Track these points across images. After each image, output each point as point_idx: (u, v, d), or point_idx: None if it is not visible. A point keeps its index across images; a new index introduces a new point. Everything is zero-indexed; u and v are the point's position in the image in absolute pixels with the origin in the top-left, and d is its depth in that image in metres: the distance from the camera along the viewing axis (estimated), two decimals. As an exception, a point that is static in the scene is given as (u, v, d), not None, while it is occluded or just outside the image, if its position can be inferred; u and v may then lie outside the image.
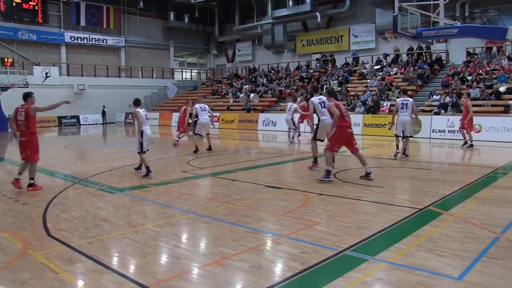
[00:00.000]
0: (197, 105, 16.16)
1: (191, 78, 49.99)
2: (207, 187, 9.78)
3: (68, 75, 39.10)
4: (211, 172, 11.64)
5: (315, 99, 11.11)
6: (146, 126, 10.82)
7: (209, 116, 16.13)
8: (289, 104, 19.61)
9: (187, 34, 47.69)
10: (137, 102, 11.16)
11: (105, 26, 41.65)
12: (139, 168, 11.49)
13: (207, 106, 16.27)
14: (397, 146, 13.98)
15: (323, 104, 10.98)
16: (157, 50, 46.43)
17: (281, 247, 5.56)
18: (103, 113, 39.28)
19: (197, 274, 4.80)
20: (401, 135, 13.81)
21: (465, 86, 24.29)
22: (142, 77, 44.40)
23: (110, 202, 8.24)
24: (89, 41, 40.75)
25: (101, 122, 39.37)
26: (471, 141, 16.54)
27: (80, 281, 4.69)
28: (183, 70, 50.35)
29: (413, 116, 13.86)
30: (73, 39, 39.63)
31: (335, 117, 9.79)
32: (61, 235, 6.13)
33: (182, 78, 48.86)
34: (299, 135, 20.11)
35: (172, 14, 45.89)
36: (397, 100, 14.16)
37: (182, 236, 6.29)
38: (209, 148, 16.16)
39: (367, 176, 10.04)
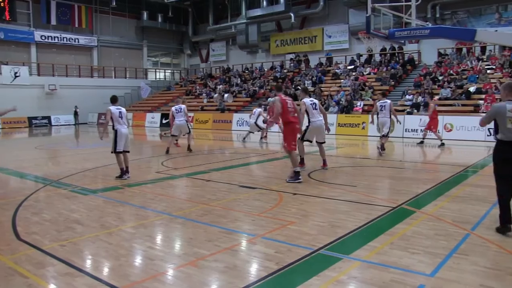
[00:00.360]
0: (172, 108, 16.07)
1: (165, 78, 49.70)
2: (181, 188, 9.71)
3: (38, 74, 38.42)
4: (185, 173, 11.58)
5: (307, 100, 11.18)
6: (120, 125, 10.54)
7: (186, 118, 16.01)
8: (255, 109, 20.83)
9: (160, 33, 47.42)
10: (112, 99, 10.95)
11: (77, 25, 41.11)
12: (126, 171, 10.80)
13: (183, 107, 16.07)
14: (382, 145, 14.48)
15: (314, 106, 11.09)
16: (130, 50, 46.03)
17: (256, 247, 5.56)
18: (75, 113, 38.79)
19: (171, 275, 4.76)
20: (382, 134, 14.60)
21: (436, 86, 24.70)
22: (115, 77, 43.92)
23: (83, 204, 8.11)
24: (61, 40, 40.16)
25: (73, 123, 38.86)
26: (424, 139, 18.11)
27: (51, 285, 4.60)
28: (157, 70, 50.04)
29: (393, 117, 14.52)
30: (43, 38, 38.99)
31: (275, 114, 9.99)
32: (31, 239, 6.00)
33: (155, 78, 48.56)
34: (265, 136, 20.66)
35: (145, 13, 45.58)
36: (376, 102, 14.56)
37: (156, 237, 6.23)
38: (188, 149, 16.00)
39: (296, 177, 10.00)
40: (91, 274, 4.79)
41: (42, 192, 9.39)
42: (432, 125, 17.41)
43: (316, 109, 11.07)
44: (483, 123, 6.39)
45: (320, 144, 11.54)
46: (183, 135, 16.39)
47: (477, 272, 4.63)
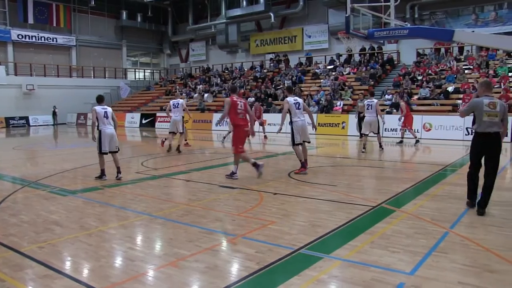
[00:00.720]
0: (170, 101, 15.98)
1: (145, 78, 49.42)
2: (161, 188, 9.65)
3: (15, 74, 37.94)
4: (165, 173, 11.51)
5: (291, 99, 10.95)
6: (104, 125, 10.28)
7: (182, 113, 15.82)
8: None
9: (140, 33, 47.12)
10: (98, 99, 10.73)
11: (55, 24, 40.60)
12: (118, 173, 10.59)
13: (181, 102, 15.82)
14: (365, 145, 14.68)
15: (297, 105, 10.94)
16: (110, 50, 45.65)
17: (237, 247, 5.55)
18: (54, 113, 38.32)
19: (152, 276, 4.73)
20: (368, 134, 15.04)
21: (415, 86, 24.96)
22: (94, 77, 43.51)
23: (61, 205, 8.01)
24: (38, 39, 39.64)
25: (52, 123, 38.39)
26: (402, 138, 18.39)
27: (29, 287, 4.54)
28: (136, 70, 49.67)
29: (378, 116, 14.82)
30: (20, 37, 38.44)
31: (223, 114, 10.28)
32: (9, 241, 5.91)
33: (135, 78, 48.23)
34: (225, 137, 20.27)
35: (124, 13, 45.26)
36: (363, 101, 14.78)
37: (136, 238, 6.18)
38: (177, 149, 15.65)
39: (231, 175, 10.29)
40: (70, 276, 4.74)
41: (20, 193, 9.25)
42: (407, 123, 17.78)
43: (299, 108, 10.91)
44: (462, 114, 7.52)
45: (303, 143, 11.25)
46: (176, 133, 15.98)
47: (456, 270, 4.69)
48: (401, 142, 18.17)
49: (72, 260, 5.28)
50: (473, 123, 7.02)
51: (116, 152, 10.61)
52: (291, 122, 10.97)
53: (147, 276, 4.72)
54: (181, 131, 15.84)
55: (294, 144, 10.97)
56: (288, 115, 10.90)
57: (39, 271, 4.86)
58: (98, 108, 10.36)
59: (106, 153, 10.39)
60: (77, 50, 42.74)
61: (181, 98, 16.26)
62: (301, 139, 10.96)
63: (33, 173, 12.01)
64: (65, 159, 14.68)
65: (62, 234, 6.18)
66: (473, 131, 7.05)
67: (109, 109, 10.54)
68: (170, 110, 15.79)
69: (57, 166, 12.95)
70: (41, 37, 39.78)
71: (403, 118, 17.87)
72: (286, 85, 30.37)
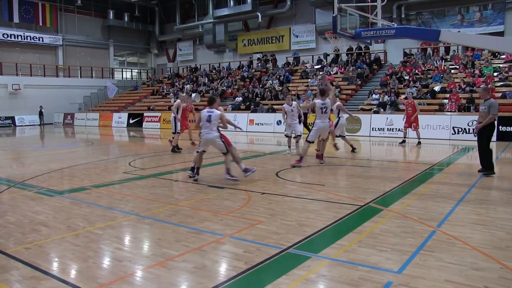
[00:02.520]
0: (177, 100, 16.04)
1: (132, 78, 49.23)
2: (149, 188, 9.61)
3: (1, 74, 37.64)
4: (153, 173, 11.48)
5: (319, 102, 11.68)
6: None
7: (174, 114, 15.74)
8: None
9: (127, 33, 46.92)
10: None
11: (41, 24, 40.30)
12: None
13: (175, 102, 15.84)
14: (352, 145, 14.74)
15: (325, 109, 11.67)
16: (96, 49, 45.41)
17: (225, 247, 5.54)
18: (41, 113, 38.02)
19: (140, 276, 4.71)
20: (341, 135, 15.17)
21: (402, 86, 25.11)
22: (81, 77, 43.29)
23: (48, 206, 7.95)
24: (24, 39, 39.35)
25: (38, 123, 38.09)
26: (419, 139, 17.29)
27: (16, 289, 4.50)
28: (123, 70, 49.46)
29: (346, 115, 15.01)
30: (5, 36, 38.13)
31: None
32: (-5, 242, 5.86)
33: (122, 77, 48.05)
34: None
35: (111, 12, 45.06)
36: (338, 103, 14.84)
37: (124, 238, 6.15)
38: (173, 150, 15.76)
39: (229, 174, 10.02)
40: (57, 277, 4.70)
41: (6, 194, 9.17)
42: (415, 123, 17.20)
43: (325, 112, 11.72)
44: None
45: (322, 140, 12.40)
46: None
47: (443, 268, 4.72)
48: (404, 141, 17.84)
49: (59, 261, 5.24)
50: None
51: None
52: (315, 121, 11.84)
53: (135, 277, 4.70)
54: (173, 131, 15.98)
55: (308, 140, 11.82)
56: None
57: (25, 273, 4.81)
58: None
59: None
60: (63, 49, 42.45)
61: (177, 98, 16.25)
62: (321, 137, 12.13)
63: (19, 173, 11.90)
64: (51, 160, 14.57)
65: (48, 235, 6.13)
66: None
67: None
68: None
69: (44, 166, 12.85)
70: (27, 36, 39.47)
71: (405, 117, 17.35)
72: (271, 84, 30.49)
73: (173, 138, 15.90)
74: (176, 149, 15.62)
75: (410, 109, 17.16)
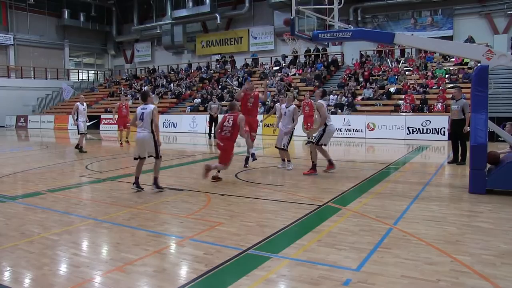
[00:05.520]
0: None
1: (88, 79, 48.26)
2: (107, 192, 9.45)
3: None
4: (110, 176, 11.29)
5: (324, 103, 11.19)
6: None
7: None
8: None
9: (83, 33, 46.05)
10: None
11: (-12, 21, 39.07)
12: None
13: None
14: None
15: (329, 110, 11.52)
16: (51, 50, 44.37)
17: (185, 249, 5.51)
18: (-9, 116, 36.93)
19: (98, 282, 4.62)
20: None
21: (359, 87, 25.57)
22: (34, 78, 42.16)
23: (0, 212, 7.71)
24: (-29, 37, 38.10)
25: (-12, 126, 37.02)
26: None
27: (-34, 299, 4.35)
28: (80, 71, 48.47)
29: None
30: (-49, 34, 36.83)
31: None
32: None
33: (78, 79, 47.12)
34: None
35: (66, 11, 44.11)
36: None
37: (81, 243, 6.02)
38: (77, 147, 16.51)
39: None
40: (9, 287, 4.54)
41: (-44, 199, 8.84)
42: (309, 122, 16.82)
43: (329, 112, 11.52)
44: None
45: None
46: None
47: (399, 264, 4.84)
48: (308, 143, 17.29)
49: (11, 270, 5.02)
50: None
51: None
52: (325, 126, 10.99)
53: (93, 283, 4.60)
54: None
55: (318, 144, 11.08)
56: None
57: (-24, 281, 4.65)
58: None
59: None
60: (15, 49, 41.28)
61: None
62: (327, 142, 11.31)
63: (-30, 178, 11.50)
64: (3, 164, 14.11)
65: (0, 243, 5.92)
66: None
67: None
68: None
69: (-4, 170, 12.46)
70: (-26, 34, 38.27)
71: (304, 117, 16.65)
72: (231, 85, 30.52)
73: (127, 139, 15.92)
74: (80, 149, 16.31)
75: (307, 109, 16.65)
